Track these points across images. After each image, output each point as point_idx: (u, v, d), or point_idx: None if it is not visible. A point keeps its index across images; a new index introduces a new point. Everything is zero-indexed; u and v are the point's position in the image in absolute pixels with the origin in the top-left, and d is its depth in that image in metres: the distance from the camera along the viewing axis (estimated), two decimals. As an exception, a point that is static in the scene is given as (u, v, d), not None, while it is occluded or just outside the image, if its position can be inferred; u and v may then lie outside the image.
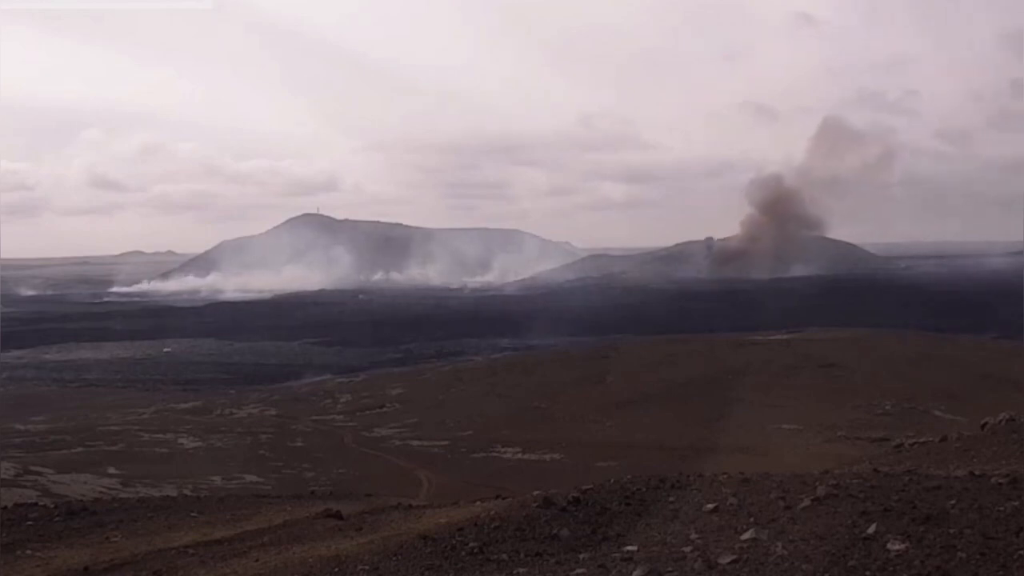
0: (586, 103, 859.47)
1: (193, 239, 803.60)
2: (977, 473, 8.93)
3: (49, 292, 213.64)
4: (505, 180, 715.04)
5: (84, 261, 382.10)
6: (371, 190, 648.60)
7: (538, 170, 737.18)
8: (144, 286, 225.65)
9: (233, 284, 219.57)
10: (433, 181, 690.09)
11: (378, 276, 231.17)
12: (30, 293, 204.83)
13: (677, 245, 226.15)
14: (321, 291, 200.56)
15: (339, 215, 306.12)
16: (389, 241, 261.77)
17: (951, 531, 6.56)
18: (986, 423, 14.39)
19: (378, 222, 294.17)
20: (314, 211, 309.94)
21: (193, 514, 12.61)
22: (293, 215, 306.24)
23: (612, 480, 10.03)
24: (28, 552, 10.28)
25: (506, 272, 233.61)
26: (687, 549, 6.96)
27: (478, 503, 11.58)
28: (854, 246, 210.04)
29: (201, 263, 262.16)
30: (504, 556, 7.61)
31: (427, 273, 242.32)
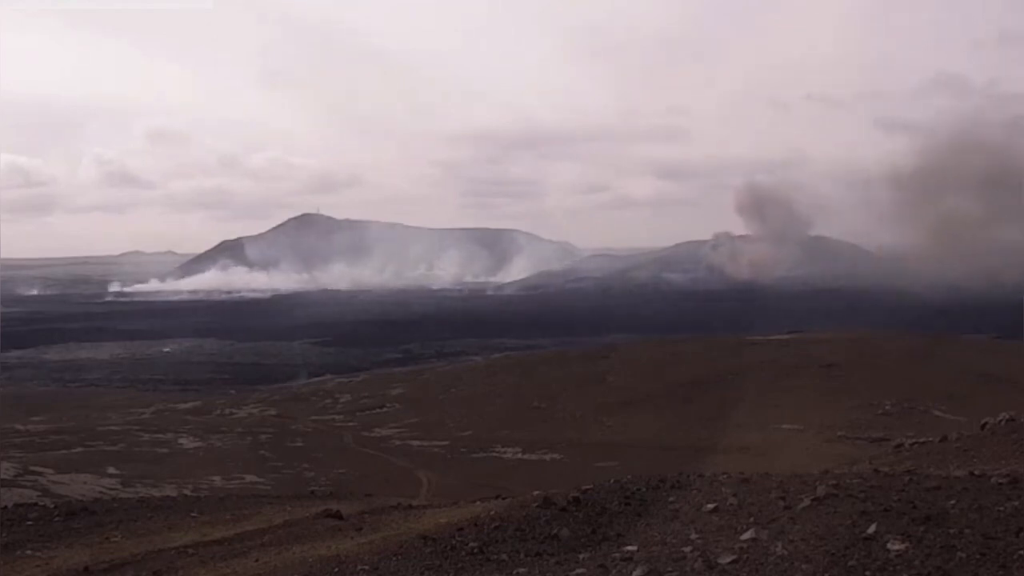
0: (599, 98, 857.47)
1: (193, 239, 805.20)
2: (977, 473, 8.93)
3: (49, 292, 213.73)
4: (508, 179, 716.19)
5: (84, 261, 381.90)
6: (375, 189, 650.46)
7: (546, 168, 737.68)
8: (144, 286, 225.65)
9: (233, 284, 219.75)
10: (439, 180, 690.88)
11: (378, 276, 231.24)
12: (30, 293, 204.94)
13: (678, 245, 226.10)
14: (322, 291, 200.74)
15: (339, 215, 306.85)
16: (389, 241, 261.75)
17: (951, 531, 6.55)
18: (986, 423, 14.37)
19: (378, 222, 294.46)
20: (314, 211, 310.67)
21: (193, 514, 12.61)
22: (293, 215, 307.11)
23: (612, 480, 10.02)
24: (28, 552, 10.28)
25: (506, 272, 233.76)
26: (687, 549, 6.95)
27: (478, 503, 11.58)
28: (854, 246, 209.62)
29: (201, 263, 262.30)
30: (504, 556, 7.61)
31: (427, 273, 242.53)
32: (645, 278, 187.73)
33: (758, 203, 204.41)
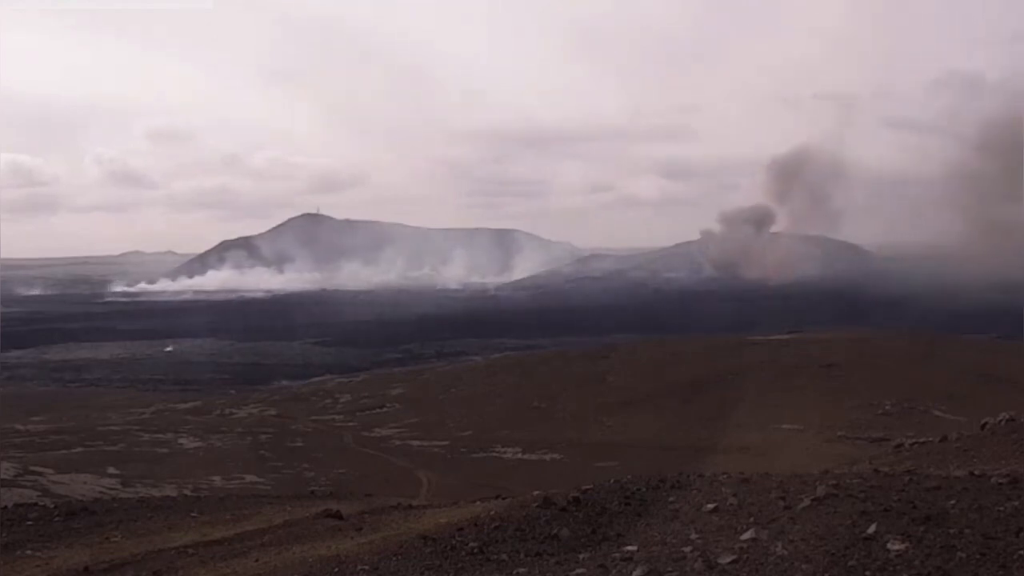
0: (602, 98, 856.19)
1: (194, 239, 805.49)
2: (977, 473, 8.92)
3: (50, 292, 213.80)
4: (510, 179, 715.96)
5: (84, 261, 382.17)
6: (376, 188, 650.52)
7: (548, 168, 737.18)
8: (144, 286, 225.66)
9: (233, 284, 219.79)
10: (440, 180, 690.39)
11: (380, 276, 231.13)
12: (30, 293, 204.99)
13: (678, 245, 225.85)
14: (321, 291, 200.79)
15: (340, 215, 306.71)
16: (389, 241, 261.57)
17: (951, 531, 6.55)
18: (986, 423, 14.36)
19: (378, 222, 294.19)
20: (314, 211, 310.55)
21: (193, 514, 12.60)
22: (294, 215, 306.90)
23: (612, 480, 10.02)
24: (28, 552, 10.28)
25: (508, 272, 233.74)
26: (687, 549, 6.95)
27: (478, 503, 11.58)
28: (856, 247, 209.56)
29: (201, 263, 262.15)
30: (504, 556, 7.60)
31: (430, 273, 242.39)
32: (645, 278, 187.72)
33: (791, 179, 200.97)
